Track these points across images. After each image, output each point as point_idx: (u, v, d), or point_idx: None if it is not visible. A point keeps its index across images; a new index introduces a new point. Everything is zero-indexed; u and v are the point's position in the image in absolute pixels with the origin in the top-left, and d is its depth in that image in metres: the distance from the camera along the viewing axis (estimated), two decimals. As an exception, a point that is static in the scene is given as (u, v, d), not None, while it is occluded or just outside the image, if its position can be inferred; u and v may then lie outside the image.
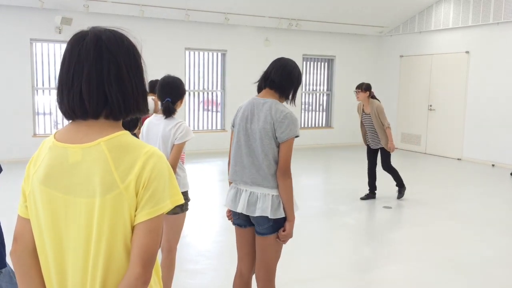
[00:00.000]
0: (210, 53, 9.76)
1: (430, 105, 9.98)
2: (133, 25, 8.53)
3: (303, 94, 10.90)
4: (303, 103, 10.88)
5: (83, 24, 7.43)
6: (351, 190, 6.63)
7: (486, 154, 8.93)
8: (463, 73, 9.33)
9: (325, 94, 11.17)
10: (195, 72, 9.71)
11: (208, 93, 9.98)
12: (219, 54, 9.82)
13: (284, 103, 2.36)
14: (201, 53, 9.67)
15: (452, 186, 7.09)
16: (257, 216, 2.27)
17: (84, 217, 1.13)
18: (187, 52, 9.50)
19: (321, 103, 11.17)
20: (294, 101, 2.36)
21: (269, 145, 2.23)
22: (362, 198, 5.98)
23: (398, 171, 5.95)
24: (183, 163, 2.91)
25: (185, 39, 9.26)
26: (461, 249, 4.24)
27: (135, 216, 1.13)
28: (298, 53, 10.28)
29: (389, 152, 5.68)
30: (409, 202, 6.03)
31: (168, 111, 2.77)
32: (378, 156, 5.92)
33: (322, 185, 7.36)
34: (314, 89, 11.03)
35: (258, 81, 2.39)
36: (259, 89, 2.36)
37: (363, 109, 5.72)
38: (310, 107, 11.08)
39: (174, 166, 2.71)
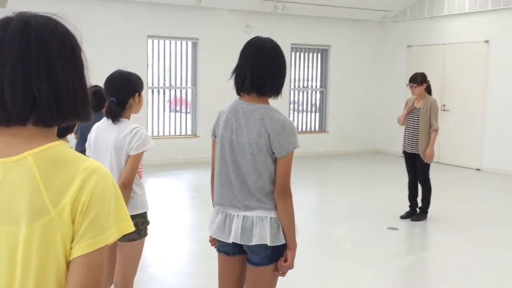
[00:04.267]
0: (178, 42, 9.82)
1: (444, 105, 10.15)
2: (78, 9, 8.50)
3: (291, 92, 11.03)
4: (291, 102, 11.01)
5: (18, 9, 7.43)
6: (350, 208, 6.68)
7: (511, 164, 9.11)
8: (482, 66, 9.50)
9: (318, 92, 11.31)
10: (160, 65, 9.74)
11: (176, 91, 10.04)
12: (189, 43, 9.89)
13: (270, 100, 2.36)
14: (167, 42, 9.71)
15: (472, 202, 7.21)
16: (253, 245, 2.29)
17: (5, 250, 1.09)
18: (149, 41, 9.53)
19: (313, 102, 11.29)
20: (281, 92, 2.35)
21: (264, 162, 2.25)
22: (401, 217, 6.08)
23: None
24: (140, 178, 2.90)
25: (147, 25, 9.31)
26: (492, 284, 4.21)
27: (71, 248, 1.10)
28: (285, 42, 10.38)
29: (427, 162, 5.79)
30: (419, 222, 6.08)
31: (112, 114, 2.76)
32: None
33: (315, 202, 7.49)
34: (305, 85, 11.14)
35: (235, 78, 2.33)
36: (240, 90, 2.33)
37: (413, 103, 5.87)
38: (300, 107, 11.18)
39: (129, 182, 2.70)
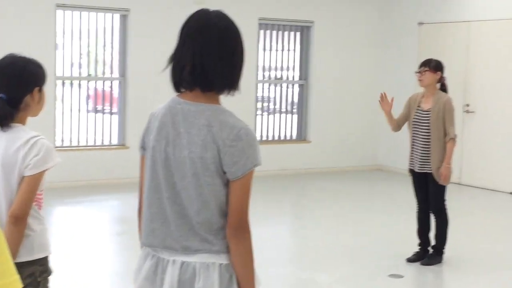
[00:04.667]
0: (101, 14, 9.79)
1: (467, 105, 10.36)
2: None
3: (260, 86, 11.09)
4: (259, 99, 11.06)
5: None
6: (338, 248, 6.74)
7: None
8: None
9: (296, 85, 11.40)
10: (74, 46, 9.68)
11: (96, 83, 10.01)
12: (116, 16, 9.90)
13: (224, 98, 2.39)
14: (85, 13, 9.67)
15: (504, 239, 7.31)
16: None
17: None
18: (59, 12, 9.46)
19: (289, 100, 11.35)
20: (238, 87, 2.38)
21: (211, 186, 2.28)
22: (409, 260, 6.20)
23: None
24: (39, 209, 2.88)
25: (56, -10, 9.34)
26: None
27: None
28: (250, 17, 10.46)
29: (441, 184, 5.94)
30: (432, 266, 6.14)
31: (1, 117, 2.77)
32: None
33: (289, 238, 7.59)
34: (278, 76, 11.18)
35: (171, 69, 2.34)
36: (178, 85, 2.35)
37: (419, 104, 6.04)
38: (271, 107, 11.26)
39: (23, 214, 2.68)
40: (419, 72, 6.01)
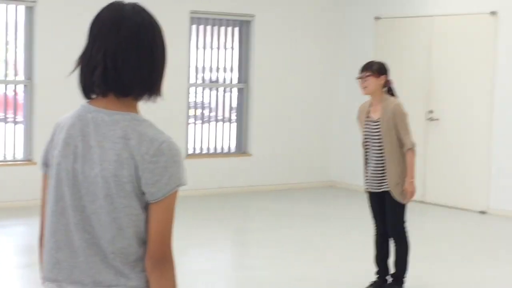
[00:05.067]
0: (2, 6, 9.70)
1: (431, 111, 10.51)
2: None
3: (191, 89, 11.09)
4: (191, 106, 11.09)
5: None
6: (285, 280, 6.74)
7: None
8: (487, 50, 9.88)
9: (234, 89, 11.44)
10: (-30, 43, 9.57)
11: (-3, 87, 9.97)
12: (21, 8, 9.81)
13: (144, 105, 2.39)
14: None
15: (475, 264, 7.41)
16: None
17: None
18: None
19: (227, 107, 11.39)
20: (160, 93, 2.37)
21: (127, 208, 2.25)
22: None
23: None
24: None
25: None
26: None
27: None
28: (181, 10, 10.53)
29: (402, 203, 6.02)
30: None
31: None
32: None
33: (230, 270, 7.62)
34: (213, 79, 11.22)
35: (80, 71, 2.32)
36: (88, 90, 2.32)
37: (367, 114, 6.13)
38: (206, 115, 11.28)
39: None
40: (361, 78, 6.07)
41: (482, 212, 9.96)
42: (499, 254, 8.07)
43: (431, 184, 10.58)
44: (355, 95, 11.22)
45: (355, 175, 10.67)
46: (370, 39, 11.40)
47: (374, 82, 5.99)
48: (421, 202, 10.35)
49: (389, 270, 6.28)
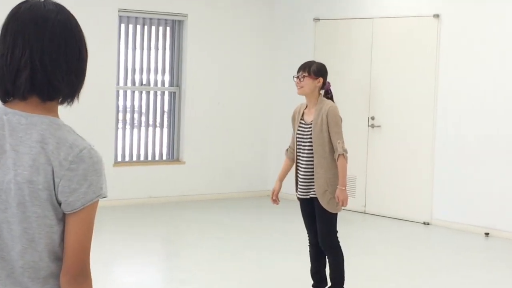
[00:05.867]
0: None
1: (372, 118, 10.62)
2: None
3: (120, 93, 11.04)
4: (120, 110, 11.00)
5: None
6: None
7: (476, 214, 9.58)
8: (429, 53, 10.06)
9: (166, 93, 11.40)
10: None
11: None
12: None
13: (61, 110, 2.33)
14: None
15: (417, 280, 7.52)
16: None
17: None
18: None
19: (159, 111, 11.35)
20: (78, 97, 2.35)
21: (40, 219, 2.20)
22: None
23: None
24: None
25: None
26: None
27: None
28: (109, 8, 10.42)
29: (330, 212, 6.03)
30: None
31: None
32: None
33: (162, 285, 7.61)
34: (144, 82, 11.16)
35: None
36: (8, 93, 2.26)
37: (302, 116, 6.19)
38: (136, 120, 11.21)
39: None
40: (298, 77, 6.10)
41: (426, 223, 10.09)
42: (442, 265, 8.18)
43: (372, 194, 10.65)
44: (295, 100, 11.21)
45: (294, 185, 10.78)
46: (309, 41, 11.43)
47: (311, 83, 6.03)
48: (362, 212, 10.54)
49: (326, 282, 6.31)
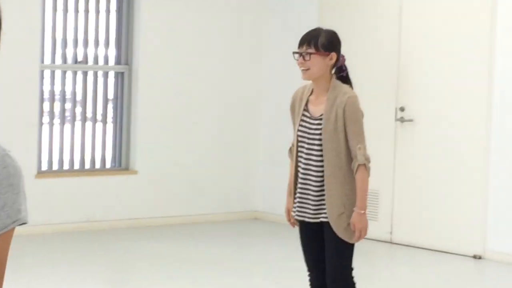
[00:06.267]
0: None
1: (401, 109, 9.89)
2: None
3: (46, 74, 10.28)
4: (42, 97, 10.21)
5: None
6: None
7: None
8: (482, 27, 9.44)
9: (111, 74, 10.63)
10: None
11: None
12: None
13: None
14: None
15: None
16: None
17: None
18: None
19: (101, 100, 10.59)
20: None
21: None
22: None
23: None
24: None
25: None
26: None
27: None
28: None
29: (347, 242, 5.79)
30: None
31: None
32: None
33: None
34: (79, 59, 10.41)
35: None
36: None
37: (305, 106, 5.91)
38: (68, 113, 10.55)
39: None
40: (301, 55, 5.68)
41: (477, 257, 9.32)
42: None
43: (401, 216, 10.08)
44: (291, 87, 11.05)
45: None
46: (312, 6, 10.77)
47: (321, 62, 5.66)
48: (388, 242, 10.02)
49: None
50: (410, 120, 9.74)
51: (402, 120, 9.79)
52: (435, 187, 9.74)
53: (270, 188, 11.15)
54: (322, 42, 5.58)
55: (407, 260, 9.69)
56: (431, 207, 9.77)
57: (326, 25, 10.46)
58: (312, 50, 5.57)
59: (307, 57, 5.60)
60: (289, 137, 11.36)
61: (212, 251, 9.70)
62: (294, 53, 5.76)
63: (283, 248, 9.61)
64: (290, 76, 10.68)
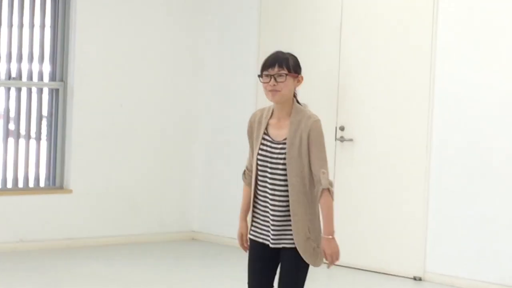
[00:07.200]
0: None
1: (341, 128, 9.81)
2: None
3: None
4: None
5: None
6: None
7: (486, 264, 9.03)
8: (423, 38, 9.43)
9: (46, 91, 10.50)
10: None
11: None
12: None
13: None
14: None
15: None
16: None
17: None
18: None
19: (34, 116, 10.47)
20: None
21: None
22: None
23: None
24: None
25: None
26: None
27: None
28: None
29: (304, 268, 5.59)
30: None
31: None
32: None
33: None
34: (12, 75, 10.24)
35: None
36: None
37: (265, 130, 5.79)
38: (2, 130, 10.42)
39: None
40: (273, 77, 5.45)
41: (417, 279, 9.41)
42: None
43: (343, 239, 9.57)
44: (230, 103, 11.15)
45: (225, 224, 10.86)
46: (251, 16, 10.78)
47: (291, 85, 5.56)
48: (327, 263, 9.64)
49: None
50: (350, 140, 9.75)
51: (342, 139, 9.79)
52: (375, 208, 9.75)
53: (207, 208, 11.18)
54: (292, 64, 5.56)
55: (347, 282, 9.56)
56: (370, 228, 9.78)
57: (265, 43, 10.72)
58: (285, 72, 5.54)
59: (280, 79, 5.51)
60: (227, 157, 10.75)
61: (149, 271, 9.56)
62: (261, 76, 5.59)
63: (220, 268, 9.60)
64: (227, 97, 11.11)
